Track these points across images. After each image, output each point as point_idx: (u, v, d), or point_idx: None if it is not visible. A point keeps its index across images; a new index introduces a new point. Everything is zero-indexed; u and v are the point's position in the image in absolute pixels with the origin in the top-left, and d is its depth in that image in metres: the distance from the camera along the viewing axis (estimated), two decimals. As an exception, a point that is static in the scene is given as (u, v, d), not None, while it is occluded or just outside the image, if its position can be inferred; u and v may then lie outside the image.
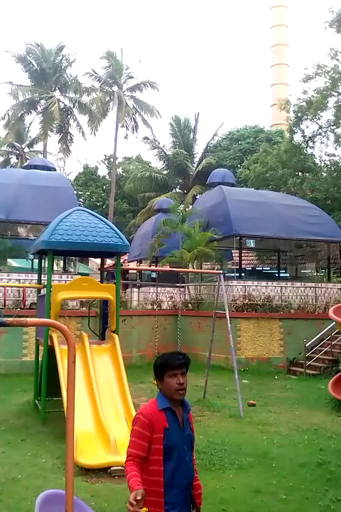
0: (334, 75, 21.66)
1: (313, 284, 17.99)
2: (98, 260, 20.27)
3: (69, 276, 14.90)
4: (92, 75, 35.05)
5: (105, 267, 12.54)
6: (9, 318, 2.47)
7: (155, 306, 15.70)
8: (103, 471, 6.25)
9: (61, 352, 8.15)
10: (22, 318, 2.39)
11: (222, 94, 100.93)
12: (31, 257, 18.44)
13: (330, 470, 6.39)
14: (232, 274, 18.16)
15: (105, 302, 9.53)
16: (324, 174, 25.14)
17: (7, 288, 14.13)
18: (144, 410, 2.89)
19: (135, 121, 36.44)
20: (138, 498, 2.56)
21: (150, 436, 2.80)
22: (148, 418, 2.82)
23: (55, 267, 19.67)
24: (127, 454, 2.85)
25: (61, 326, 2.41)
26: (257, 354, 15.31)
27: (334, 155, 24.69)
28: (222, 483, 5.88)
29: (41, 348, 9.51)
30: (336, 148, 24.45)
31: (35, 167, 19.12)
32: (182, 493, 2.86)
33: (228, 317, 10.25)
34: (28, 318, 2.40)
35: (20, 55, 32.78)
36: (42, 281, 10.67)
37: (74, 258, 19.36)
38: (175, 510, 2.82)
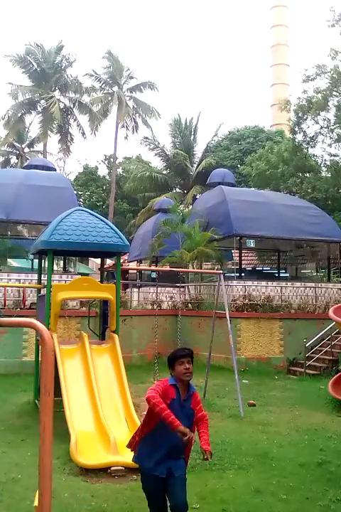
0: (334, 76, 21.67)
1: (313, 284, 17.99)
2: (98, 260, 20.26)
3: (69, 276, 14.90)
4: (93, 76, 35.11)
5: (105, 267, 12.54)
6: None
7: (155, 306, 15.68)
8: (103, 471, 6.24)
9: (61, 352, 8.15)
10: None
11: (222, 94, 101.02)
12: (31, 257, 18.42)
13: (330, 470, 6.39)
14: (232, 274, 18.15)
15: (105, 302, 9.52)
16: (324, 174, 25.16)
17: (7, 288, 14.13)
18: (159, 381, 4.00)
19: (135, 122, 36.48)
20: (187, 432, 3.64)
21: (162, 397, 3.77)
22: (163, 385, 3.88)
23: (55, 267, 19.65)
24: (152, 389, 3.80)
25: (37, 326, 2.32)
26: (257, 354, 15.31)
27: (335, 155, 24.71)
28: (222, 483, 5.88)
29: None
30: (337, 148, 24.42)
31: (35, 167, 19.11)
32: (167, 450, 3.84)
33: (228, 317, 10.25)
34: (2, 318, 2.37)
35: (20, 56, 32.79)
36: (42, 281, 10.65)
37: (74, 258, 19.35)
38: (156, 463, 3.84)
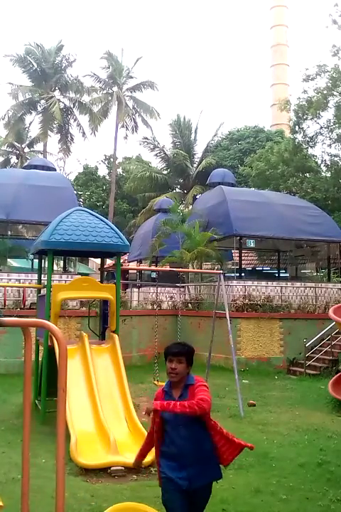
0: (334, 75, 21.67)
1: (313, 284, 17.99)
2: (98, 260, 20.26)
3: (69, 276, 14.90)
4: (93, 76, 35.12)
5: (105, 267, 12.54)
6: None
7: (155, 306, 15.69)
8: (103, 471, 6.25)
9: (61, 352, 8.13)
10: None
11: (222, 94, 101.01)
12: (31, 257, 18.44)
13: (330, 470, 6.39)
14: (232, 274, 18.17)
15: (105, 302, 9.53)
16: (324, 174, 25.16)
17: (7, 288, 14.13)
18: (158, 390, 3.69)
19: (135, 122, 36.49)
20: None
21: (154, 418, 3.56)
22: (157, 393, 3.63)
23: (55, 267, 19.68)
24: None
25: (50, 326, 2.39)
26: (257, 354, 15.31)
27: (335, 155, 24.70)
28: (222, 483, 5.83)
29: (41, 348, 9.50)
30: (337, 148, 24.42)
31: (35, 167, 19.12)
32: (177, 460, 3.43)
33: (228, 317, 10.25)
34: (5, 318, 2.41)
35: (20, 56, 32.80)
36: (42, 281, 10.66)
37: (74, 258, 19.38)
38: (171, 471, 3.42)
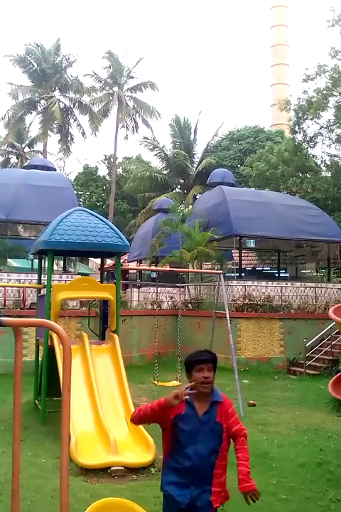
0: (334, 75, 21.67)
1: (313, 284, 17.99)
2: (98, 260, 20.26)
3: (69, 276, 14.89)
4: (93, 76, 35.13)
5: (105, 267, 12.54)
6: None
7: (155, 306, 15.68)
8: (103, 471, 6.25)
9: (61, 352, 8.13)
10: None
11: (222, 94, 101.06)
12: (31, 257, 18.43)
13: (330, 470, 6.39)
14: (232, 274, 18.16)
15: (105, 302, 9.52)
16: (324, 174, 25.15)
17: (7, 288, 14.13)
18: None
19: (135, 122, 36.50)
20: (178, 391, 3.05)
21: (162, 414, 3.15)
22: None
23: (55, 267, 19.67)
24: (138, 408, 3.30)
25: (54, 326, 2.41)
26: (257, 354, 15.30)
27: (335, 155, 24.71)
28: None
29: (41, 348, 9.50)
30: (337, 148, 24.41)
31: (35, 167, 19.11)
32: (185, 476, 3.13)
33: (228, 317, 10.25)
34: (8, 319, 2.44)
35: (20, 56, 32.81)
36: (42, 281, 10.66)
37: (74, 258, 19.37)
38: (177, 488, 3.14)
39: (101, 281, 10.39)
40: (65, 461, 2.34)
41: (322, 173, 25.51)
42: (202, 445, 3.12)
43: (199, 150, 35.50)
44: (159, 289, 16.80)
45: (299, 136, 23.92)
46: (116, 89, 35.65)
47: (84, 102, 34.21)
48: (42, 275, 10.72)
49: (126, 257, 23.89)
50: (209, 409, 3.18)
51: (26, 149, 39.04)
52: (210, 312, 12.96)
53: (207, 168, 30.08)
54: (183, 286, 19.23)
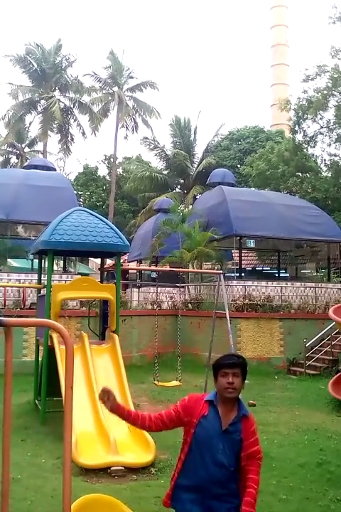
0: (334, 75, 21.67)
1: (313, 284, 17.99)
2: (98, 260, 20.26)
3: (69, 276, 14.89)
4: (93, 76, 35.13)
5: (105, 267, 12.54)
6: None
7: (155, 306, 15.68)
8: (103, 471, 6.24)
9: (61, 352, 8.13)
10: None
11: (222, 94, 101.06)
12: (31, 257, 18.43)
13: (330, 470, 6.39)
14: (232, 274, 18.16)
15: (105, 302, 9.52)
16: (324, 174, 25.16)
17: (7, 288, 14.13)
18: (193, 394, 3.14)
19: (135, 122, 36.48)
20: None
21: (183, 418, 3.00)
22: (190, 399, 3.06)
23: (55, 267, 19.67)
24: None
25: (56, 326, 2.41)
26: (257, 354, 15.30)
27: (335, 155, 24.71)
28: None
29: (41, 348, 9.50)
30: (337, 148, 24.42)
31: (35, 167, 19.11)
32: (200, 491, 2.91)
33: (228, 317, 10.24)
34: (9, 319, 2.43)
35: (20, 56, 32.80)
36: (42, 281, 10.65)
37: (74, 258, 19.37)
38: (189, 505, 2.90)
39: (101, 281, 10.39)
40: (67, 459, 2.33)
41: (322, 173, 25.52)
42: (223, 455, 2.92)
43: (199, 150, 35.55)
44: (159, 289, 16.80)
45: (299, 136, 23.95)
46: (116, 89, 35.63)
47: (84, 102, 34.20)
48: (42, 275, 10.71)
49: (126, 257, 23.89)
50: (235, 422, 2.99)
51: (26, 149, 39.03)
52: (210, 312, 12.95)
53: (207, 168, 30.08)
54: (183, 286, 19.22)
